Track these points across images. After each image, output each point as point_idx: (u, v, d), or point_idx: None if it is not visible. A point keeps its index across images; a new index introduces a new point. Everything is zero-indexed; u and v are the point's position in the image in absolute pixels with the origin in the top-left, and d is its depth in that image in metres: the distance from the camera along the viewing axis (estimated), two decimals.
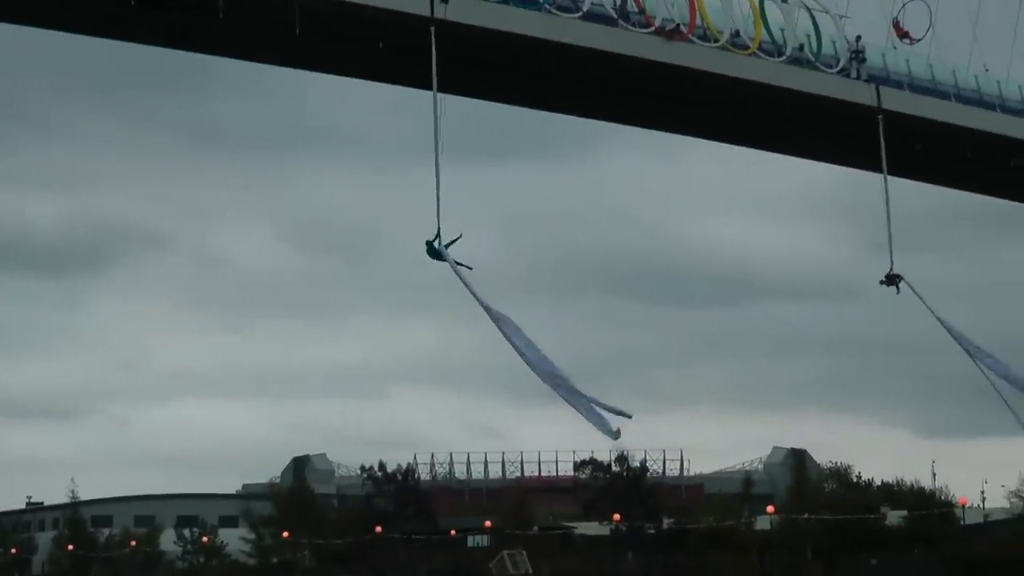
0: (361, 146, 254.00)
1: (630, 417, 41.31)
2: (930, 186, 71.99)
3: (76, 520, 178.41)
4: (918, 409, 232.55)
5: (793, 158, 71.12)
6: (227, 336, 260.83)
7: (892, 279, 56.10)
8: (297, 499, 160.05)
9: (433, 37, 50.71)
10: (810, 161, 71.54)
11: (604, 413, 41.75)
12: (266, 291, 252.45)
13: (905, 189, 69.07)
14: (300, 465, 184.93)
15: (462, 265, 44.61)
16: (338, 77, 60.88)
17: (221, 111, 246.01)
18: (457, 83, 54.58)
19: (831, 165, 71.89)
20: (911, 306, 54.74)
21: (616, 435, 42.13)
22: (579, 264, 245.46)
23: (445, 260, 45.00)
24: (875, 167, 60.22)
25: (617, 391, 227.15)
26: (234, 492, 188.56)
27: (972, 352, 53.99)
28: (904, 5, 64.49)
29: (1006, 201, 76.64)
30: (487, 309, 43.67)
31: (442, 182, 46.52)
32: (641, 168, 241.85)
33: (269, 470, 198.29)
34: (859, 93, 61.71)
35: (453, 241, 44.91)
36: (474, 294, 44.00)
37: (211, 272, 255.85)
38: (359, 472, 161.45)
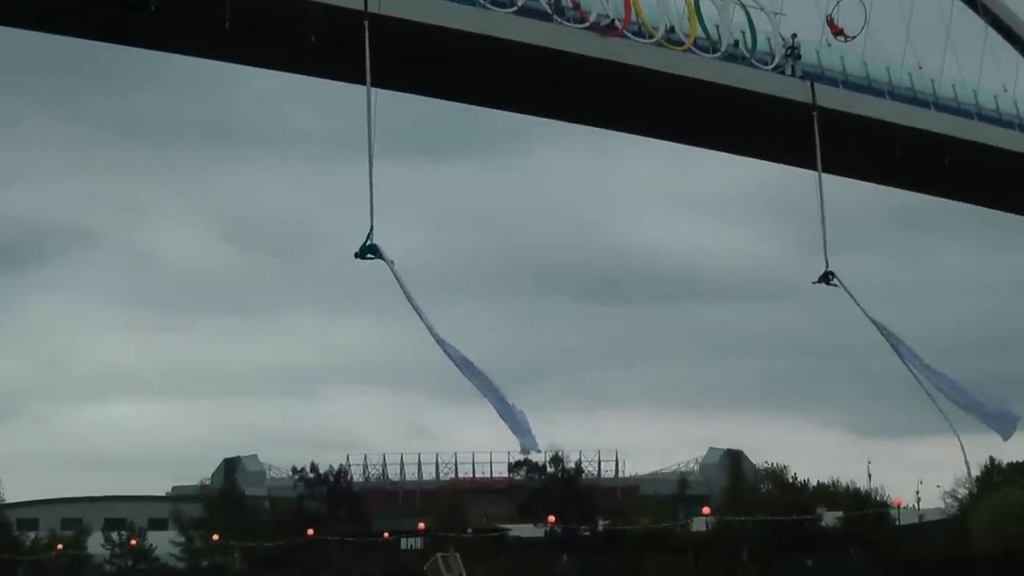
0: (297, 142, 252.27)
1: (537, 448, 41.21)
2: (866, 187, 72.34)
3: (0, 523, 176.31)
4: (854, 409, 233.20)
5: (732, 157, 71.25)
6: (158, 334, 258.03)
7: (825, 277, 55.92)
8: (228, 501, 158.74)
9: (367, 31, 50.21)
10: (749, 160, 71.62)
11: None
12: (198, 288, 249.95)
13: (842, 190, 69.22)
14: (231, 466, 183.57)
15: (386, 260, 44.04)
16: (274, 72, 60.32)
17: (154, 106, 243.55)
18: (391, 78, 54.21)
19: (770, 164, 71.98)
20: (847, 307, 54.60)
21: (535, 447, 41.92)
22: (516, 263, 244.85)
23: (377, 258, 44.39)
24: (811, 165, 59.85)
25: (554, 391, 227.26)
26: (163, 494, 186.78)
27: (900, 352, 53.82)
28: (839, 3, 64.57)
29: (941, 200, 76.95)
30: (419, 312, 43.13)
31: (377, 180, 45.77)
32: (580, 167, 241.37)
33: (200, 471, 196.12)
34: (794, 90, 61.56)
35: (368, 254, 44.28)
36: (410, 298, 43.44)
37: (142, 269, 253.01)
38: (291, 474, 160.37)
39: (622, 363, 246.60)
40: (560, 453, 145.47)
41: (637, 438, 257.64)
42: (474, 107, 64.51)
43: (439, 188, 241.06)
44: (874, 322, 53.64)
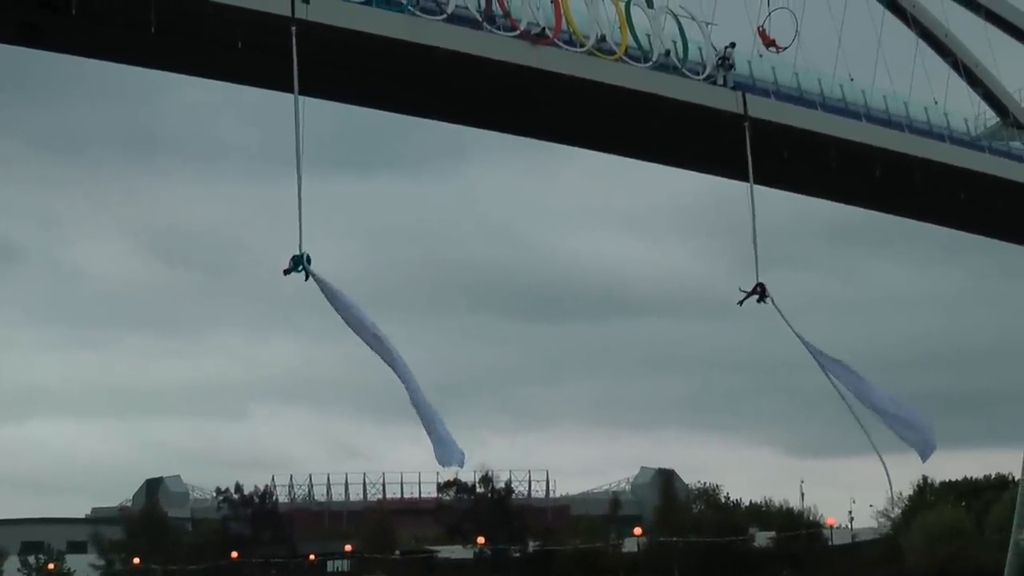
0: (224, 155, 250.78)
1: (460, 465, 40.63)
2: (801, 202, 72.10)
3: None
4: (787, 427, 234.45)
5: (665, 172, 71.04)
6: (79, 351, 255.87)
7: (756, 290, 55.24)
8: (149, 523, 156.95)
9: (294, 38, 49.37)
10: (683, 175, 71.20)
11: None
12: (121, 304, 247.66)
13: (777, 205, 68.93)
14: (153, 488, 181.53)
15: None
16: (199, 82, 59.38)
17: (77, 116, 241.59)
18: (320, 86, 53.28)
19: (704, 179, 71.66)
20: (778, 324, 54.04)
21: (460, 463, 41.25)
22: (446, 278, 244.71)
23: (304, 272, 43.49)
24: (744, 176, 59.57)
25: (483, 409, 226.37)
26: (83, 516, 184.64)
27: (825, 368, 53.16)
28: (770, 13, 64.15)
29: (875, 215, 76.88)
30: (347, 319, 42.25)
31: (306, 194, 44.90)
32: (511, 182, 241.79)
33: (120, 493, 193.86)
34: (725, 100, 61.29)
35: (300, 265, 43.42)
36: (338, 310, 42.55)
37: (64, 285, 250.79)
38: (215, 495, 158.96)
39: (553, 381, 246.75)
40: (490, 472, 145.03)
41: (568, 457, 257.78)
42: (406, 120, 63.87)
43: (369, 201, 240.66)
44: (799, 337, 52.92)
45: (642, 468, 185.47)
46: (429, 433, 40.40)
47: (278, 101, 54.13)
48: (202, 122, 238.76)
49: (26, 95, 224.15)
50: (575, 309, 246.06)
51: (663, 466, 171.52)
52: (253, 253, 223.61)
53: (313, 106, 50.75)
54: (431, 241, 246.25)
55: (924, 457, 49.88)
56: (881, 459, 50.21)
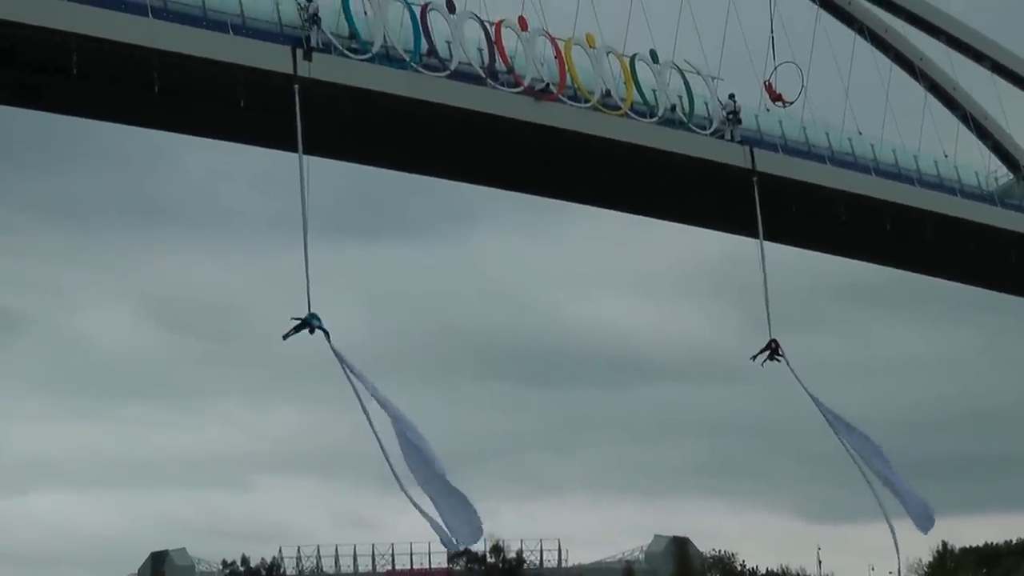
0: (228, 222, 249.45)
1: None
2: (811, 261, 71.61)
3: None
4: (801, 492, 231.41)
5: (672, 231, 70.43)
6: (81, 422, 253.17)
7: (769, 347, 54.60)
8: None
9: (297, 96, 49.10)
10: (692, 235, 70.73)
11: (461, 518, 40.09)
12: (124, 374, 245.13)
13: (787, 265, 68.33)
14: (158, 561, 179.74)
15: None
16: (203, 147, 59.24)
17: (80, 183, 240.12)
18: (324, 145, 53.07)
19: (713, 240, 71.15)
20: (790, 386, 53.41)
21: (458, 544, 40.69)
22: (454, 345, 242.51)
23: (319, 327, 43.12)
24: (753, 232, 59.32)
25: (493, 478, 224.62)
26: None
27: (837, 429, 52.43)
28: (776, 68, 63.88)
29: (887, 272, 76.30)
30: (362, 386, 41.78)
31: (311, 258, 44.78)
32: (518, 246, 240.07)
33: (125, 567, 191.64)
34: (733, 155, 60.93)
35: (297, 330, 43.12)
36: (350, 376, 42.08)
37: (66, 354, 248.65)
38: (221, 567, 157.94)
39: (563, 447, 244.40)
40: (501, 542, 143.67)
41: (580, 525, 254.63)
42: (411, 182, 63.45)
43: (374, 267, 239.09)
44: (811, 396, 52.34)
45: (656, 536, 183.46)
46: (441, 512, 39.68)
47: (283, 166, 53.79)
48: (206, 188, 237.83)
49: (27, 162, 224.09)
50: (584, 374, 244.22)
51: (677, 533, 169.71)
52: (257, 320, 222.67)
53: (317, 170, 50.54)
54: (436, 306, 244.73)
55: (925, 529, 49.47)
56: (889, 523, 49.55)
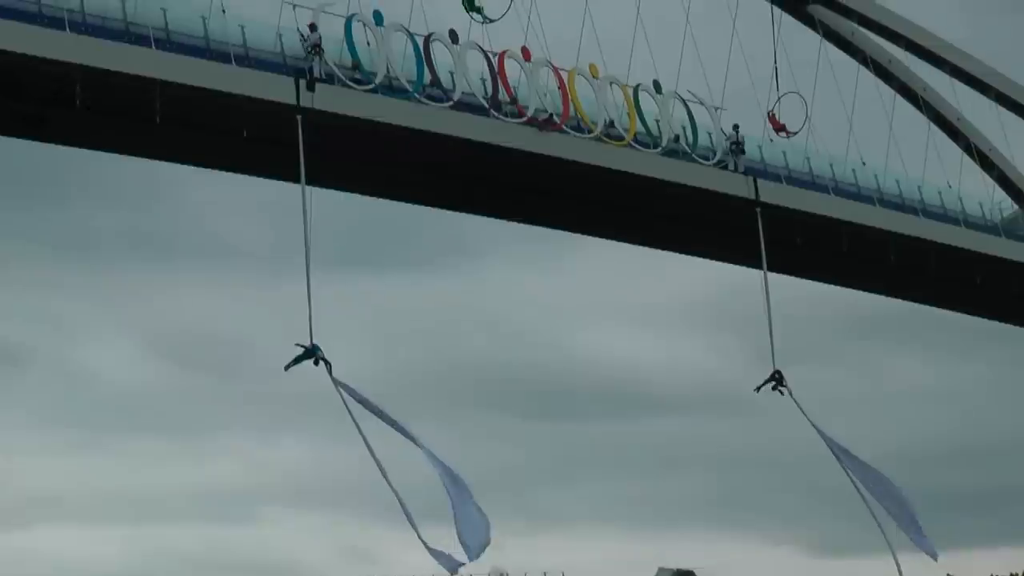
0: (233, 254, 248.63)
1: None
2: (816, 293, 71.43)
3: None
4: (807, 526, 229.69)
5: (675, 262, 70.29)
6: (86, 457, 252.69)
7: (773, 378, 54.58)
8: None
9: (300, 127, 49.24)
10: (696, 266, 70.52)
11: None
12: (129, 408, 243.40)
13: (792, 297, 68.16)
14: None
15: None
16: (208, 180, 59.17)
17: (84, 217, 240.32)
18: (327, 176, 53.22)
19: (718, 271, 70.87)
20: (795, 420, 53.35)
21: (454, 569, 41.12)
22: (457, 377, 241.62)
23: (320, 359, 43.35)
24: (757, 263, 59.43)
25: (497, 510, 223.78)
26: None
27: (843, 462, 52.41)
28: (780, 98, 64.08)
29: (893, 303, 76.26)
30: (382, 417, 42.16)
31: (315, 293, 44.98)
32: (522, 278, 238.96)
33: None
34: (736, 185, 60.98)
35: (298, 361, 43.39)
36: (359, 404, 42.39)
37: (70, 388, 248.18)
38: None
39: (567, 480, 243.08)
40: (504, 575, 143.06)
41: (584, 558, 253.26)
42: (415, 214, 63.50)
43: (378, 300, 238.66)
44: (815, 427, 52.38)
45: (660, 569, 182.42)
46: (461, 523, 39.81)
47: (287, 198, 53.61)
48: (211, 220, 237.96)
49: (32, 195, 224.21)
50: (589, 407, 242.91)
51: (681, 566, 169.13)
52: (262, 353, 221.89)
53: (321, 202, 50.69)
54: (440, 338, 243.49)
55: (935, 555, 49.39)
56: (895, 557, 49.48)
